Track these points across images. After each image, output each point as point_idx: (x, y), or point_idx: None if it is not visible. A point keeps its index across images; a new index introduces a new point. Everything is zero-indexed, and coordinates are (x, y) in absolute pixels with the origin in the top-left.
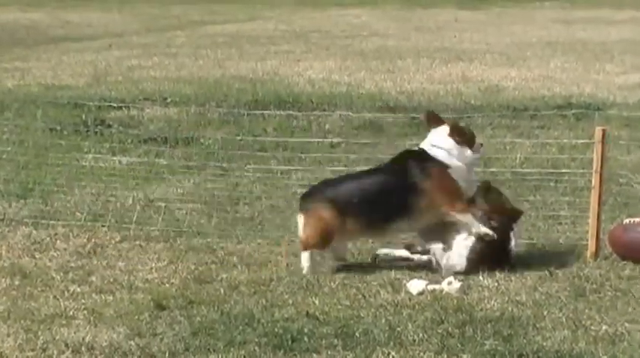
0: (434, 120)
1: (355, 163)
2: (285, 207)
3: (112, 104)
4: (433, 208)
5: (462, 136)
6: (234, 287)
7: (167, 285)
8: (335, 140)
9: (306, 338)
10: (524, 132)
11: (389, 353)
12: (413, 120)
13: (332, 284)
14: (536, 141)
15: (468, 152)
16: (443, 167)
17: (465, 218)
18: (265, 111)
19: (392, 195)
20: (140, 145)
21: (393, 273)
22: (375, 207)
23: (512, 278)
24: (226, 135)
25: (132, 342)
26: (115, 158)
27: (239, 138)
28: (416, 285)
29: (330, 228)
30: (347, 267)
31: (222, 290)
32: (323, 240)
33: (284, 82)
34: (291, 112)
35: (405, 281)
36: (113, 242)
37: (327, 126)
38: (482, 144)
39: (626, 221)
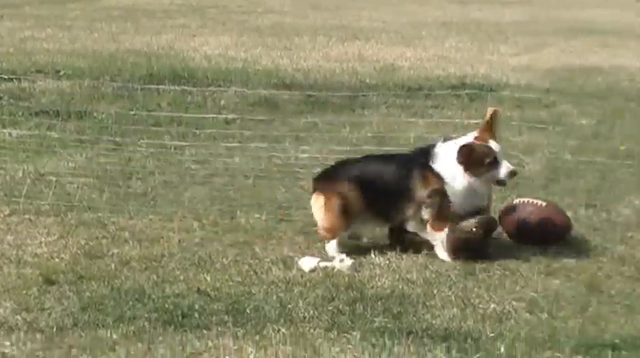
0: None
1: (250, 140)
2: (179, 182)
3: (2, 76)
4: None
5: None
6: (125, 263)
7: (57, 260)
8: (230, 116)
9: (196, 315)
10: (419, 112)
11: (279, 330)
12: (308, 98)
13: (224, 260)
14: (430, 121)
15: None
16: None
17: (433, 236)
18: (160, 86)
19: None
20: (31, 118)
21: (285, 250)
22: (383, 195)
23: (404, 256)
24: (120, 110)
25: (19, 317)
26: (5, 130)
27: (133, 112)
28: (308, 262)
29: (351, 209)
30: (239, 244)
31: (112, 266)
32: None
33: (179, 56)
34: (186, 87)
35: (297, 259)
36: (2, 215)
37: (222, 102)
38: (512, 173)
39: (516, 201)
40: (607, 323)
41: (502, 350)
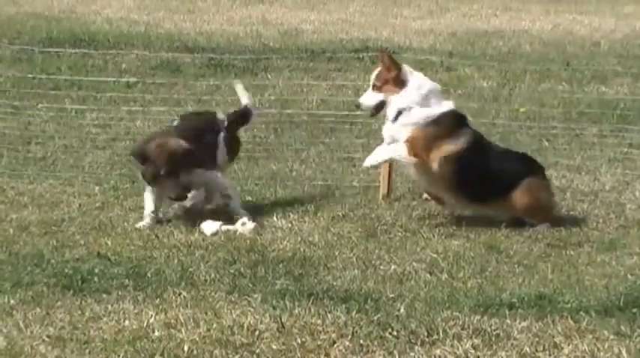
0: None
1: (151, 104)
2: (79, 146)
3: None
4: None
5: None
6: (23, 228)
7: None
8: (131, 80)
9: (96, 279)
10: (322, 75)
11: (180, 293)
12: (211, 61)
13: (125, 224)
14: (332, 84)
15: None
16: None
17: None
18: (60, 49)
19: None
20: None
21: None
22: None
23: (306, 219)
24: (19, 73)
25: None
26: None
27: (32, 76)
28: (210, 226)
29: None
30: (140, 208)
31: (11, 231)
32: None
33: (80, 20)
34: (86, 51)
35: (199, 222)
36: None
37: (123, 66)
38: None
39: None
40: (505, 282)
41: (402, 310)
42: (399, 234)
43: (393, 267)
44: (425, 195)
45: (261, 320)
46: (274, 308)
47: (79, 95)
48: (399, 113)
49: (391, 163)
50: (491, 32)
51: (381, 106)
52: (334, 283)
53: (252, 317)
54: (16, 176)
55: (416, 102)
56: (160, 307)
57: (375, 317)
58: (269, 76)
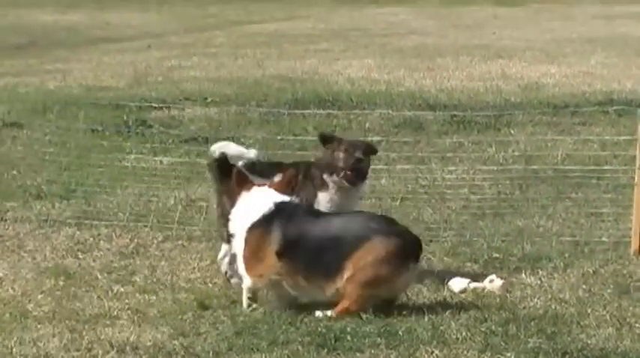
0: None
1: (396, 161)
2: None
3: (152, 104)
4: None
5: None
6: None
7: (210, 285)
8: (375, 138)
9: (349, 337)
10: (565, 129)
11: (432, 352)
12: (453, 118)
13: None
14: (577, 138)
15: None
16: None
17: None
18: (305, 111)
19: None
20: (181, 145)
21: (435, 272)
22: None
23: (555, 275)
24: (267, 135)
25: (176, 342)
26: (156, 158)
27: (279, 137)
28: (458, 283)
29: None
30: None
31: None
32: None
33: (323, 80)
34: (331, 111)
35: (446, 280)
36: (155, 242)
37: (367, 125)
38: None
39: None
40: None
41: None
42: None
43: None
44: None
45: None
46: None
47: None
48: None
49: None
50: None
51: None
52: (588, 341)
53: None
54: None
55: None
56: None
57: None
58: (512, 132)
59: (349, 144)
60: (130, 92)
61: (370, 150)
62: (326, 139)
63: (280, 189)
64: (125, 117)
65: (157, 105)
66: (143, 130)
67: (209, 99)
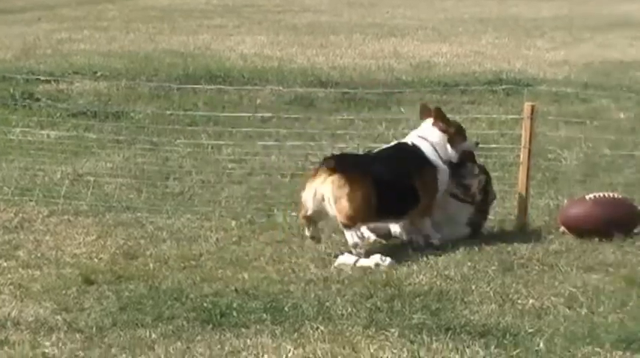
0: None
1: (286, 138)
2: (216, 181)
3: (40, 77)
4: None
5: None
6: (163, 262)
7: (95, 260)
8: (266, 115)
9: (234, 313)
10: (455, 108)
11: (317, 328)
12: (344, 96)
13: (262, 259)
14: (466, 117)
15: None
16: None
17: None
18: (196, 86)
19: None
20: (69, 119)
21: (323, 248)
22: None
23: (441, 253)
24: (157, 110)
25: (59, 317)
26: (43, 132)
27: (169, 112)
28: (345, 260)
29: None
30: (276, 243)
31: (151, 265)
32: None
33: (215, 56)
34: (222, 87)
35: (334, 256)
36: (41, 216)
37: (258, 101)
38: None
39: (589, 196)
40: None
41: (541, 345)
42: (536, 267)
43: (530, 301)
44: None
45: (398, 354)
46: (412, 342)
47: (215, 130)
48: None
49: (528, 195)
50: (628, 62)
51: None
52: (471, 317)
53: (390, 351)
54: (155, 211)
55: None
56: (298, 341)
57: (514, 353)
58: (402, 110)
59: None
60: (18, 64)
61: None
62: None
63: None
64: (12, 90)
65: (44, 79)
66: (30, 103)
67: (99, 74)
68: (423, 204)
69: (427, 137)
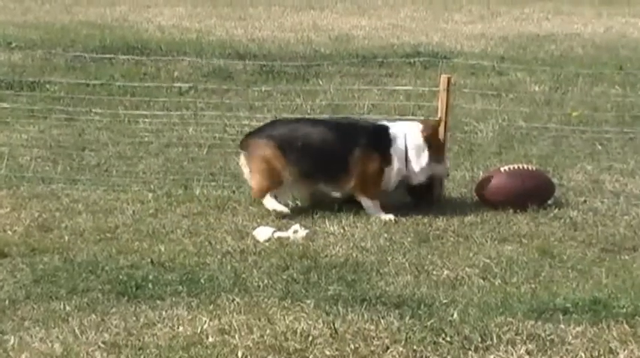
0: None
1: (204, 110)
2: (133, 153)
3: None
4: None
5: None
6: (78, 235)
7: (9, 233)
8: (184, 86)
9: (150, 285)
10: (373, 80)
11: (233, 299)
12: (262, 68)
13: (178, 231)
14: (384, 89)
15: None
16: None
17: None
18: (112, 55)
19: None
20: None
21: (240, 220)
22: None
23: (358, 224)
24: (73, 81)
25: None
26: None
27: (85, 83)
28: (263, 232)
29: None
30: (193, 215)
31: (66, 238)
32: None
33: (133, 28)
34: (139, 58)
35: (251, 229)
36: None
37: (175, 73)
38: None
39: (504, 168)
40: (559, 287)
41: (455, 315)
42: (452, 239)
43: (445, 272)
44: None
45: (314, 325)
46: (327, 313)
47: (132, 102)
48: None
49: None
50: (543, 36)
51: None
52: (387, 289)
53: (305, 323)
54: (71, 183)
55: None
56: (214, 313)
57: (429, 323)
58: (320, 82)
59: None
60: None
61: None
62: None
63: None
64: None
65: None
66: None
67: (13, 44)
68: (357, 183)
69: (408, 134)
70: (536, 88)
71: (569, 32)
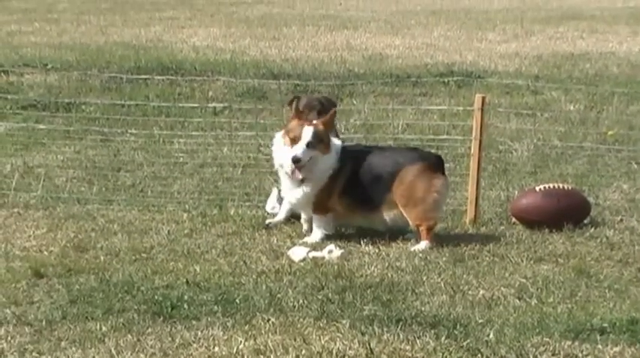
0: None
1: (238, 130)
2: (167, 173)
3: None
4: None
5: None
6: (114, 255)
7: (45, 253)
8: (218, 106)
9: (185, 305)
10: (407, 100)
11: (269, 319)
12: (296, 88)
13: (213, 251)
14: (417, 109)
15: None
16: None
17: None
18: (147, 76)
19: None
20: (19, 111)
21: (274, 240)
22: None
23: (393, 244)
24: (108, 102)
25: (8, 310)
26: None
27: (121, 103)
28: (297, 253)
29: None
30: (228, 235)
31: (101, 258)
32: None
33: (167, 48)
34: (173, 78)
35: (286, 248)
36: None
37: (210, 93)
38: None
39: (539, 188)
40: (595, 307)
41: (491, 335)
42: (487, 258)
43: (481, 292)
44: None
45: (349, 345)
46: (363, 333)
47: (167, 122)
48: None
49: (479, 186)
50: (578, 55)
51: None
52: (422, 308)
53: (341, 343)
54: (106, 203)
55: None
56: (249, 333)
57: (465, 343)
58: (354, 102)
59: None
60: None
61: None
62: None
63: None
64: None
65: None
66: None
67: (49, 66)
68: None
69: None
70: (572, 107)
71: (604, 51)
